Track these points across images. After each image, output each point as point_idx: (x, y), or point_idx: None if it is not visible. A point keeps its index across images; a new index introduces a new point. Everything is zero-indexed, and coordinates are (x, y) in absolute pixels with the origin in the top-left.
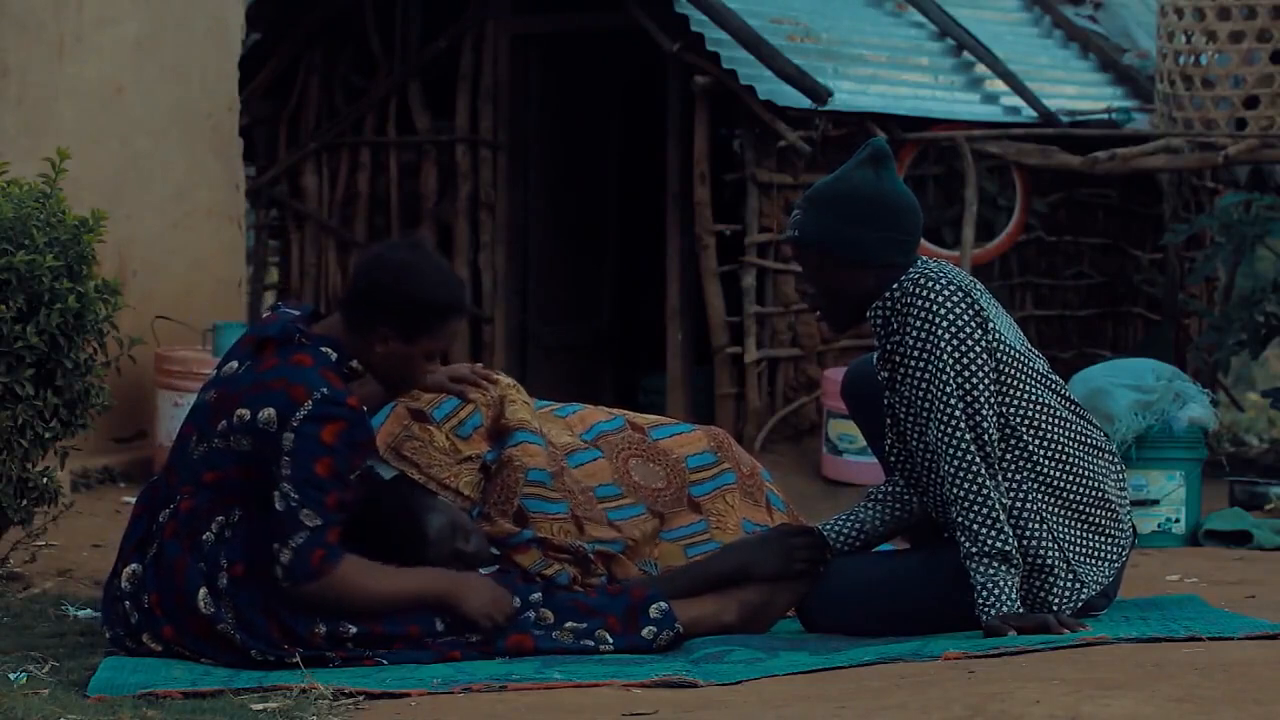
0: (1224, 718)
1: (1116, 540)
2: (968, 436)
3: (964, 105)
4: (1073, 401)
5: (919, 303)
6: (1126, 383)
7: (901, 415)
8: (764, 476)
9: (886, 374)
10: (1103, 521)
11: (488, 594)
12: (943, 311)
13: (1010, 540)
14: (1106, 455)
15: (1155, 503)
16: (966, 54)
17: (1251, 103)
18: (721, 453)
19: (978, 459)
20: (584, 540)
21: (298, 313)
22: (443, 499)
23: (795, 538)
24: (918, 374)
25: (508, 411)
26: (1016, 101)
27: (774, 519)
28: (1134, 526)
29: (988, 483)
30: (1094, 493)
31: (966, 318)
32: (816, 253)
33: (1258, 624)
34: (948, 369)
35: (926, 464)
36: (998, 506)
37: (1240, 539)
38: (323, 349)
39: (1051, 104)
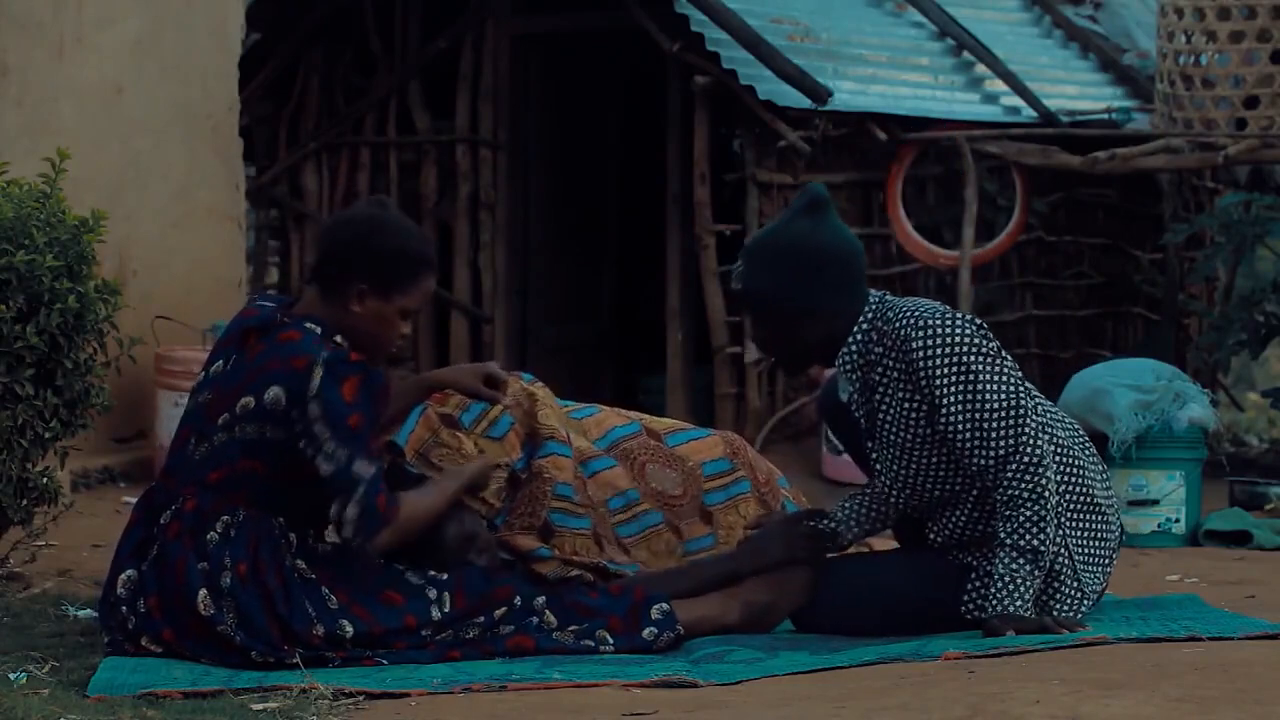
0: (1224, 718)
1: (1108, 543)
2: (1028, 431)
3: (964, 105)
4: (1050, 403)
5: (914, 329)
6: (1126, 383)
7: (890, 445)
8: (780, 483)
9: (864, 413)
10: (1096, 526)
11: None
12: (946, 328)
13: (1049, 541)
14: (1091, 455)
15: (1155, 503)
16: (966, 54)
17: (1251, 103)
18: (737, 459)
19: (1045, 458)
20: (603, 559)
21: (274, 304)
22: (468, 511)
23: (799, 523)
24: (954, 395)
25: (540, 416)
26: (1016, 101)
27: None
28: (1122, 527)
29: (1050, 477)
30: (1084, 497)
31: (971, 329)
32: (762, 305)
33: (1258, 624)
34: (982, 375)
35: (930, 486)
36: (1051, 504)
37: (1240, 539)
38: (306, 325)
39: (1051, 104)
